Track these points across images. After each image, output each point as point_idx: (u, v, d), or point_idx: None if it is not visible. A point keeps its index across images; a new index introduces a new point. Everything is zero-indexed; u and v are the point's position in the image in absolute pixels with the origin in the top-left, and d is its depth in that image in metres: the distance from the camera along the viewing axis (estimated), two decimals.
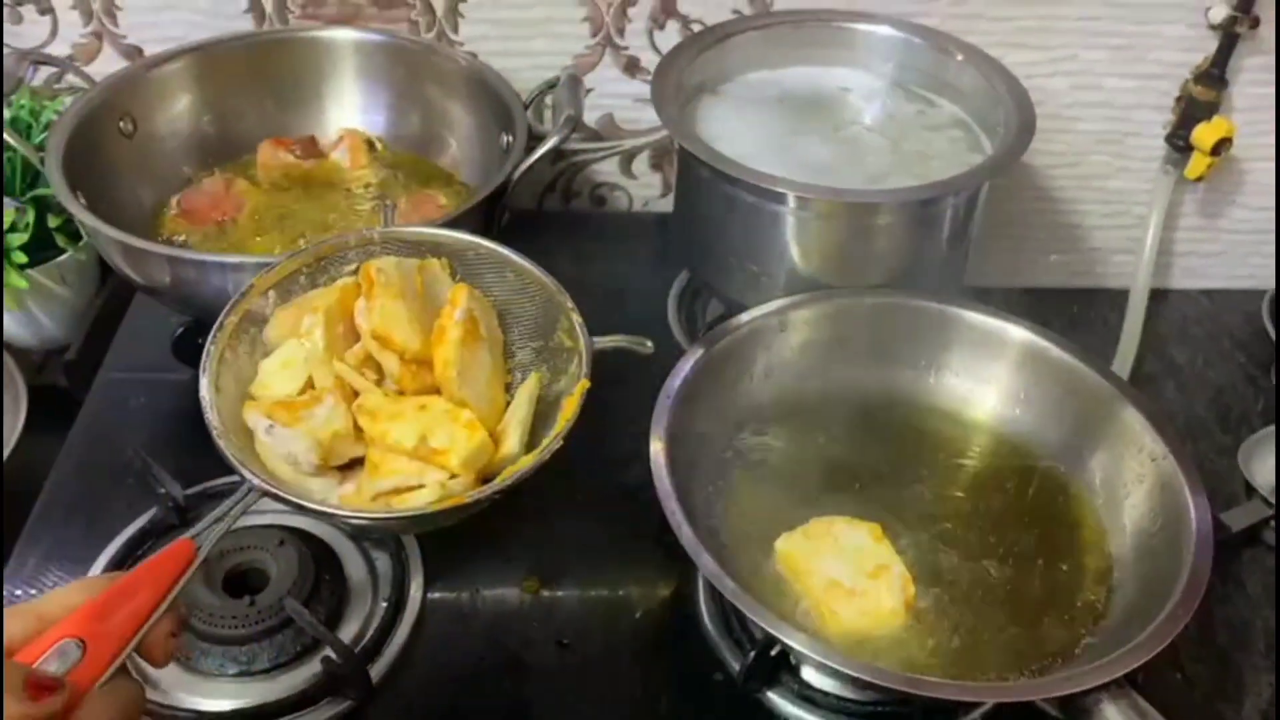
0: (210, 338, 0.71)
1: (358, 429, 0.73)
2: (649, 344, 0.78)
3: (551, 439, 0.70)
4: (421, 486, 0.70)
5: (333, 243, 0.76)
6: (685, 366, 0.83)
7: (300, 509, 0.68)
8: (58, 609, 0.54)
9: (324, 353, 0.73)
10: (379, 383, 0.76)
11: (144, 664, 0.62)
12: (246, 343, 0.74)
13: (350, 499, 0.72)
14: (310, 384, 0.74)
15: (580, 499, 0.90)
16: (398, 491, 0.71)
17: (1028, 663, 0.72)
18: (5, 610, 0.55)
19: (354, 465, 0.74)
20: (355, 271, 0.77)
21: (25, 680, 0.50)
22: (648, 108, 1.14)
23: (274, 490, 0.66)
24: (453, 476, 0.70)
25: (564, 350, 0.77)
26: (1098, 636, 0.74)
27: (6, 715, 0.49)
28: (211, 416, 0.69)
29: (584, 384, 0.73)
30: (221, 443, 0.67)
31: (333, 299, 0.74)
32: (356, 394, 0.74)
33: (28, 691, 0.50)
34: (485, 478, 0.73)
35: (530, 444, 0.75)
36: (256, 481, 0.65)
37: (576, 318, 0.75)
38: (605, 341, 0.76)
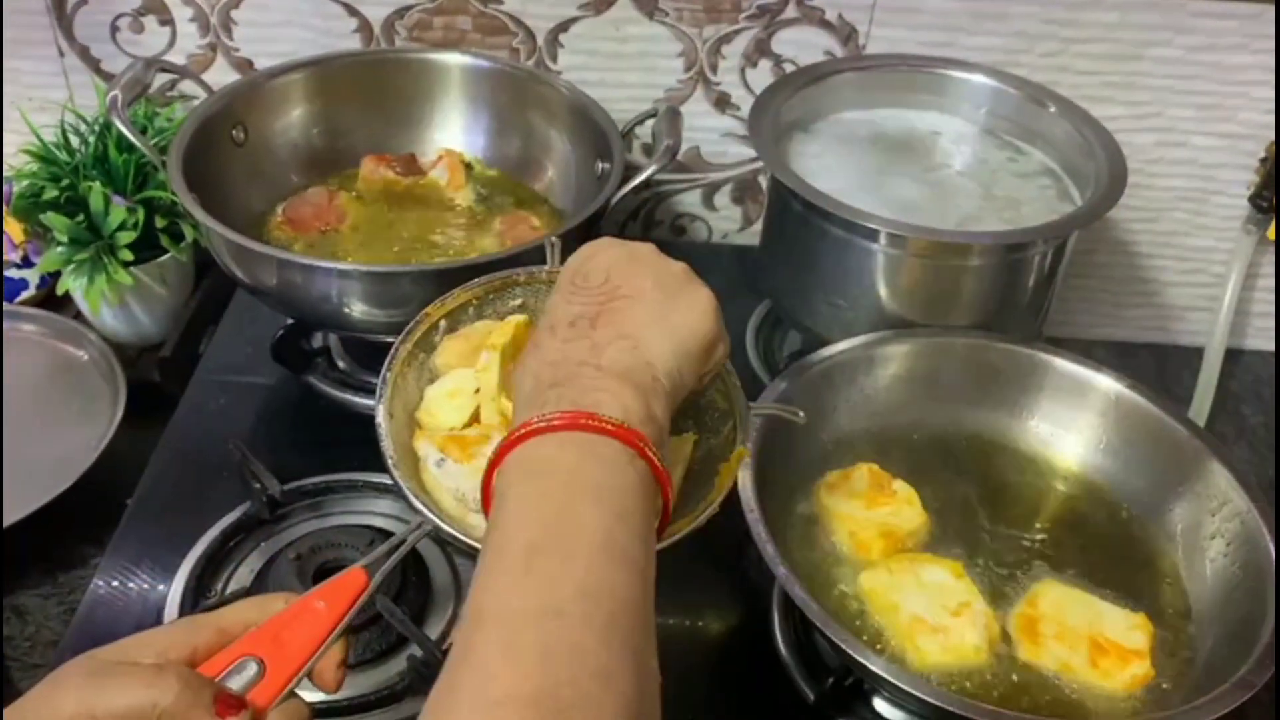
0: (386, 364, 0.71)
1: None
2: (802, 415, 0.76)
3: (708, 505, 0.67)
4: None
5: (502, 277, 0.76)
6: (770, 397, 0.84)
7: (469, 548, 0.66)
8: (236, 625, 0.56)
9: (496, 389, 0.72)
10: None
11: None
12: (415, 368, 0.73)
13: None
14: (476, 416, 0.73)
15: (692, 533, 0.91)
16: None
17: (1109, 707, 0.73)
18: (187, 621, 0.57)
19: None
20: (521, 307, 0.77)
21: (215, 696, 0.52)
22: (734, 142, 1.17)
23: (446, 527, 0.64)
24: None
25: (716, 410, 0.73)
26: (1177, 686, 0.74)
27: None
28: (387, 445, 0.67)
29: (742, 452, 0.69)
30: (397, 473, 0.66)
31: (508, 336, 0.73)
32: None
33: (216, 707, 0.51)
34: None
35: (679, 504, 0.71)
36: (432, 517, 0.64)
37: (734, 380, 0.72)
38: (761, 408, 0.76)
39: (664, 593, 0.86)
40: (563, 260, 0.74)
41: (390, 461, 0.67)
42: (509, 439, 0.54)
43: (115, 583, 0.86)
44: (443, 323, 0.74)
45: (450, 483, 0.68)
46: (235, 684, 0.53)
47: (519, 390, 0.58)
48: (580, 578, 0.48)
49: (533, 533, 0.50)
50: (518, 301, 0.77)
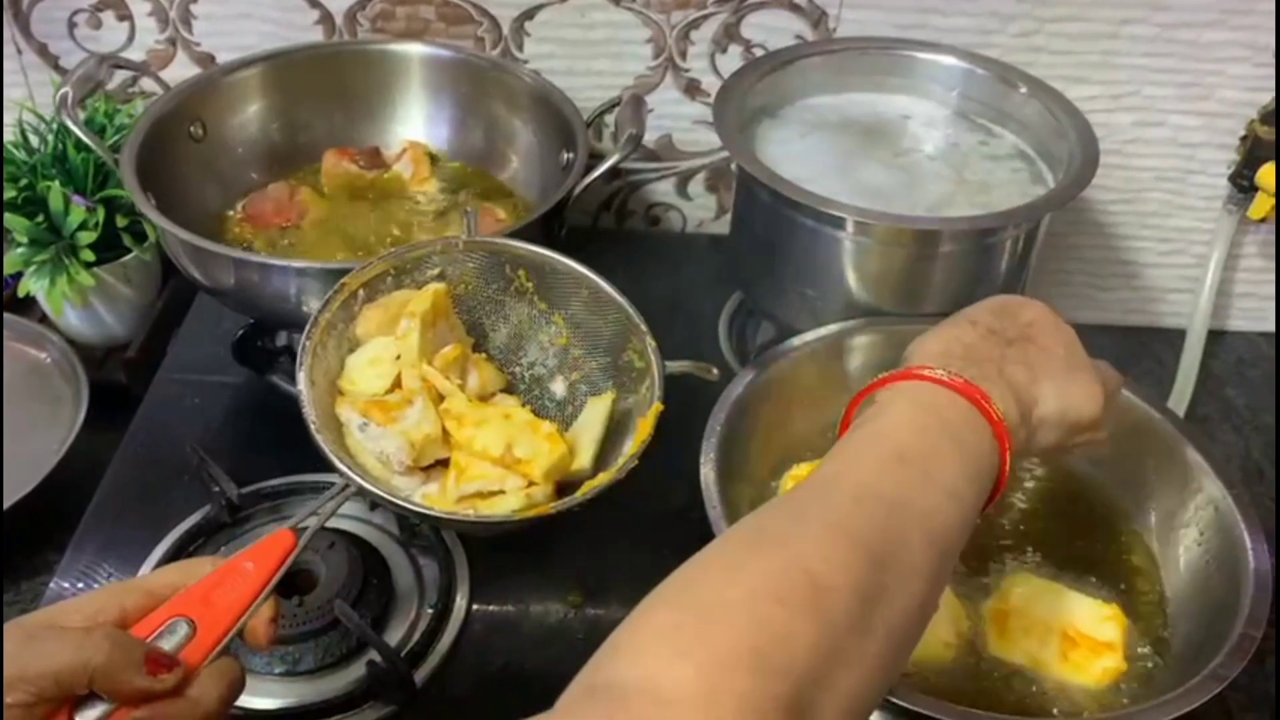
0: (305, 333, 0.72)
1: (444, 432, 0.74)
2: (714, 371, 0.80)
3: (628, 458, 0.72)
4: (502, 492, 0.71)
5: (419, 249, 0.78)
6: (737, 388, 0.83)
7: (395, 508, 0.69)
8: (165, 587, 0.57)
9: (416, 355, 0.75)
10: (462, 388, 0.77)
11: None
12: (335, 338, 0.75)
13: (434, 499, 0.73)
14: (398, 383, 0.75)
15: (627, 517, 0.90)
16: (480, 495, 0.72)
17: (1081, 700, 0.71)
18: (114, 585, 0.58)
19: (434, 466, 0.75)
20: (439, 276, 0.79)
21: (144, 656, 0.52)
22: (706, 130, 1.15)
23: (370, 488, 0.67)
24: (530, 485, 0.72)
25: (634, 370, 0.78)
26: (1150, 678, 0.73)
27: (128, 688, 0.51)
28: (309, 410, 0.69)
29: (658, 407, 0.74)
30: (319, 437, 0.68)
31: (427, 304, 0.75)
32: (442, 397, 0.75)
33: (146, 666, 0.52)
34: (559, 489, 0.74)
35: (599, 461, 0.76)
36: (355, 478, 0.67)
37: (650, 340, 0.77)
38: (673, 366, 0.78)
39: (636, 585, 0.86)
40: (476, 231, 0.80)
41: (313, 427, 0.69)
42: (908, 370, 0.63)
43: (81, 585, 0.85)
44: (361, 292, 0.76)
45: (373, 445, 0.71)
46: (167, 644, 0.54)
47: (921, 346, 0.66)
48: (931, 502, 0.55)
49: (906, 444, 0.57)
50: (435, 271, 0.79)
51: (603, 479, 0.71)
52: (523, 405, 0.79)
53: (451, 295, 0.79)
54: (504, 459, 0.72)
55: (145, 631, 0.55)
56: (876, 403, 0.62)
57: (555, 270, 0.80)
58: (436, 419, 0.73)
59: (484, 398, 0.79)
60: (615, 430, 0.78)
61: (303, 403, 0.70)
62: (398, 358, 0.75)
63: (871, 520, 0.52)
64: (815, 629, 0.46)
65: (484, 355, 0.81)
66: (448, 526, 0.83)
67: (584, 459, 0.76)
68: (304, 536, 0.61)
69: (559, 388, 0.82)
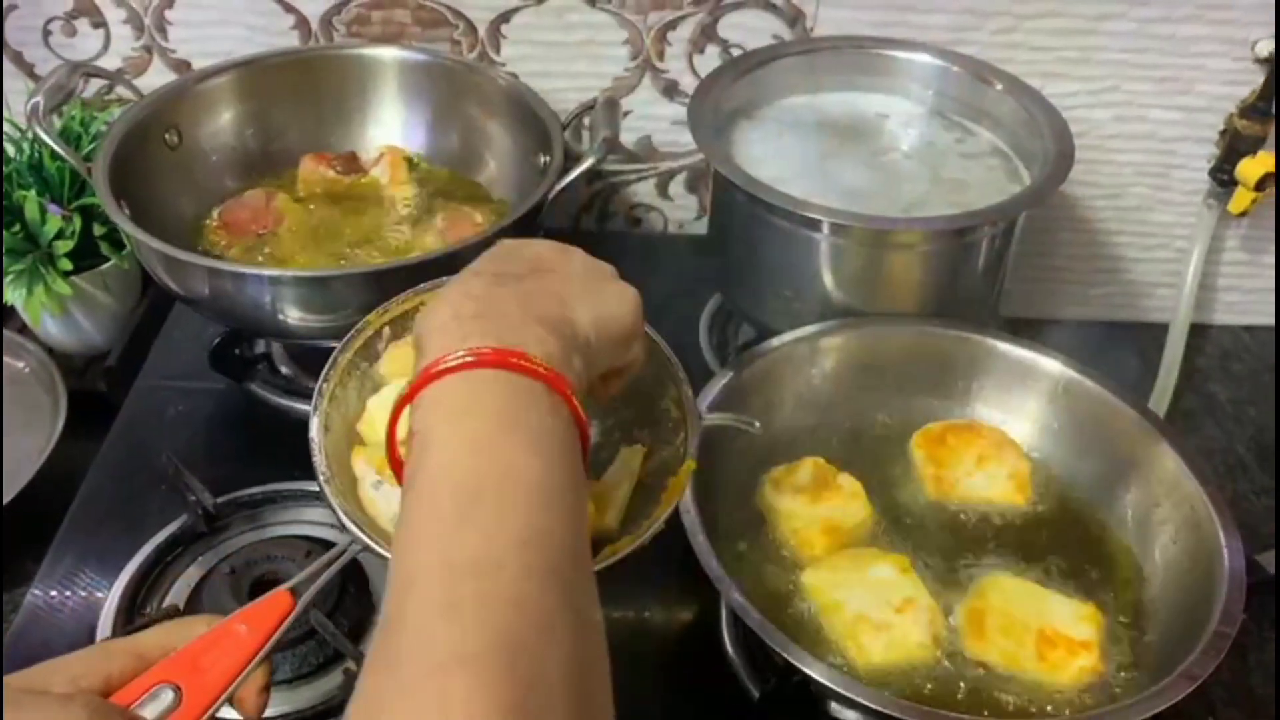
0: (323, 376, 0.68)
1: None
2: (757, 425, 0.75)
3: (653, 523, 0.64)
4: None
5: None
6: (714, 390, 0.83)
7: None
8: (154, 650, 0.54)
9: None
10: None
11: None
12: (357, 378, 0.70)
13: None
14: None
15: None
16: None
17: (1056, 700, 0.71)
18: (102, 646, 0.56)
19: None
20: None
21: None
22: (685, 131, 1.13)
23: (380, 549, 0.61)
24: None
25: (669, 420, 0.70)
26: (1126, 678, 0.72)
27: None
28: (319, 460, 0.64)
29: (690, 464, 0.67)
30: (328, 489, 0.63)
31: None
32: None
33: None
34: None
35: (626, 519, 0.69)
36: (363, 537, 0.61)
37: (686, 390, 0.70)
38: (714, 419, 0.74)
39: (613, 589, 0.86)
40: None
41: (322, 478, 0.63)
42: (426, 372, 0.51)
43: (53, 594, 0.84)
44: (386, 330, 0.71)
45: (387, 507, 0.65)
46: (150, 712, 0.52)
47: (430, 320, 0.54)
48: (519, 526, 0.46)
49: (464, 479, 0.47)
50: None
51: (625, 544, 0.63)
52: None
53: None
54: None
55: (129, 698, 0.52)
56: (416, 433, 0.50)
57: None
58: None
59: None
60: (647, 486, 0.69)
61: (313, 450, 0.64)
62: None
63: (470, 610, 0.43)
64: None
65: None
66: None
67: (610, 517, 0.68)
68: (303, 599, 0.58)
69: (593, 432, 0.75)
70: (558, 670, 0.43)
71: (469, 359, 0.50)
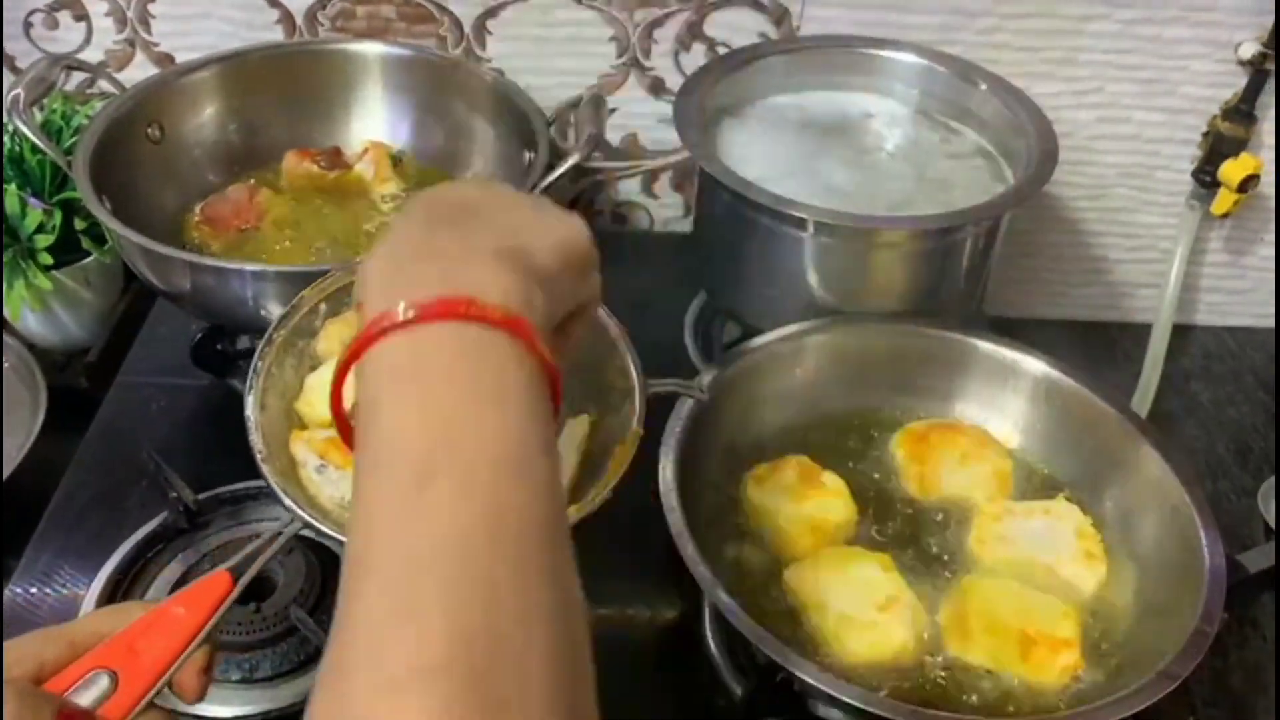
0: (257, 353, 0.67)
1: None
2: (704, 389, 0.74)
3: (600, 491, 0.65)
4: None
5: None
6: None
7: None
8: (90, 636, 0.53)
9: None
10: None
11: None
12: (294, 356, 0.70)
13: None
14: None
15: (586, 518, 0.90)
16: None
17: (1039, 699, 0.71)
18: (34, 634, 0.53)
19: None
20: None
21: (56, 713, 0.49)
22: (671, 128, 1.12)
23: (321, 525, 0.62)
24: None
25: (615, 390, 0.71)
26: (1107, 677, 0.73)
27: None
28: (256, 439, 0.65)
29: (636, 432, 0.67)
30: (265, 468, 0.63)
31: None
32: None
33: None
34: None
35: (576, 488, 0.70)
36: (302, 515, 0.62)
37: (632, 358, 0.70)
38: (659, 385, 0.72)
39: (595, 588, 0.86)
40: None
41: (259, 457, 0.64)
42: (367, 331, 0.44)
43: (32, 590, 0.84)
44: (323, 306, 0.71)
45: (332, 490, 0.66)
46: (85, 699, 0.51)
47: (368, 271, 0.48)
48: (484, 500, 0.40)
49: (420, 449, 0.41)
50: None
51: (572, 514, 0.64)
52: None
53: None
54: None
55: (63, 685, 0.50)
56: (362, 402, 0.45)
57: None
58: None
59: None
60: (595, 454, 0.71)
61: (249, 429, 0.65)
62: None
63: (432, 606, 0.37)
64: None
65: None
66: None
67: None
68: (242, 580, 0.57)
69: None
70: (537, 671, 0.38)
71: (412, 314, 0.44)
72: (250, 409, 0.66)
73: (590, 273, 0.53)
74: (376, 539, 0.40)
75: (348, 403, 0.48)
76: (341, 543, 0.61)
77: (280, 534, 0.61)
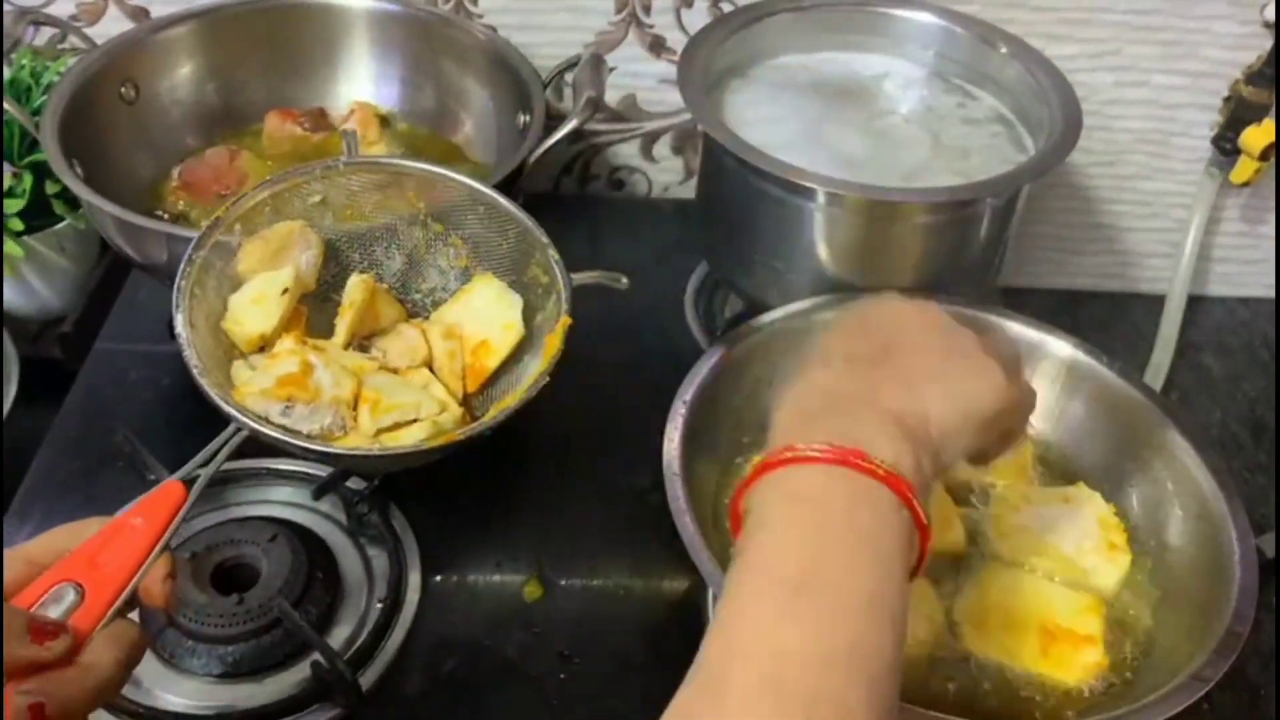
0: (180, 273, 0.70)
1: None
2: (624, 280, 0.79)
3: (538, 375, 0.71)
4: (416, 421, 0.72)
5: (297, 175, 0.76)
6: (703, 369, 0.79)
7: (295, 449, 0.68)
8: (48, 553, 0.54)
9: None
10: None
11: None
12: (214, 277, 0.73)
13: (351, 440, 0.71)
14: (285, 322, 0.74)
15: (588, 500, 0.87)
16: (396, 426, 0.72)
17: (1060, 697, 0.69)
18: None
19: None
20: (322, 203, 0.77)
21: (27, 625, 0.50)
22: (672, 89, 1.09)
23: (265, 430, 0.65)
24: (443, 411, 0.73)
25: (539, 286, 0.77)
26: (1132, 675, 0.70)
27: (12, 660, 0.49)
28: (190, 354, 0.67)
29: (565, 320, 0.73)
30: (203, 381, 0.66)
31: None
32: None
33: (31, 636, 0.50)
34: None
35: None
36: (247, 421, 0.65)
37: (553, 254, 0.75)
38: (582, 277, 0.76)
39: (597, 572, 0.84)
40: (356, 152, 0.80)
41: (196, 371, 0.67)
42: (769, 459, 0.52)
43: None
44: (238, 226, 0.74)
45: (308, 425, 0.69)
46: (53, 612, 0.52)
47: (779, 412, 0.56)
48: (854, 632, 0.46)
49: (800, 566, 0.48)
50: (318, 198, 0.77)
51: (510, 401, 0.70)
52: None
53: (339, 221, 0.78)
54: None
55: (29, 601, 0.52)
56: (753, 511, 0.52)
57: (447, 187, 0.78)
58: (341, 370, 0.72)
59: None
60: (524, 348, 0.78)
61: (182, 345, 0.67)
62: (284, 292, 0.73)
63: (797, 703, 0.44)
64: None
65: (383, 286, 0.80)
66: (351, 465, 0.80)
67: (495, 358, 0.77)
68: (195, 487, 0.59)
69: None
70: None
71: (810, 454, 0.51)
72: (181, 326, 0.68)
73: (998, 424, 0.58)
74: (747, 630, 0.46)
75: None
76: (277, 444, 0.68)
77: (228, 442, 0.64)
